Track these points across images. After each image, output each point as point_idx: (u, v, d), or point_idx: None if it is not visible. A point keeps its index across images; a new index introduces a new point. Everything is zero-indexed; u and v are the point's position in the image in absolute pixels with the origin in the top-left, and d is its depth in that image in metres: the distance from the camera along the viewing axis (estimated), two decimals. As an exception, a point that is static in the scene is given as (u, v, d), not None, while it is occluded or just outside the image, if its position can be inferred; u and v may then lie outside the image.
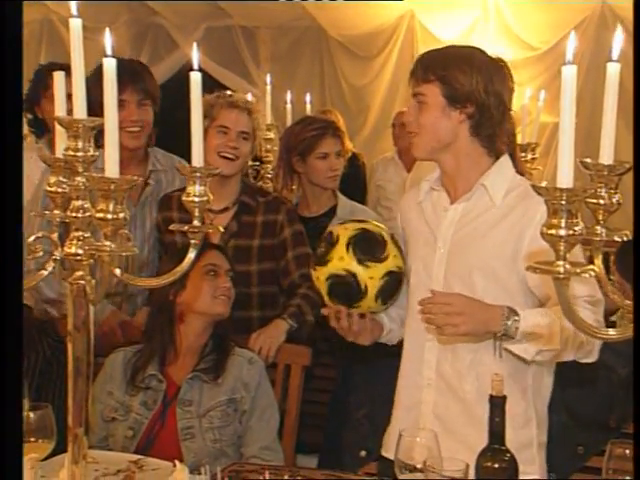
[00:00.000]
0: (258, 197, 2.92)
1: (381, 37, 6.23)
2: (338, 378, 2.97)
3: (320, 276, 2.16)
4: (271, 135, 4.02)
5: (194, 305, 2.46)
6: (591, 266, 1.17)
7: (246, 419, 2.43)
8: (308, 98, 4.44)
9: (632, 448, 1.68)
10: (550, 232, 1.16)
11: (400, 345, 2.30)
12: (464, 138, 2.11)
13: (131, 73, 2.81)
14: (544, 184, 1.16)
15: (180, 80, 6.89)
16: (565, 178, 1.14)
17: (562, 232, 1.15)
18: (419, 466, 1.70)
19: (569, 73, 1.16)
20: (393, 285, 2.15)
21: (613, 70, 1.31)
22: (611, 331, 1.17)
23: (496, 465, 1.59)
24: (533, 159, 3.96)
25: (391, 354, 2.36)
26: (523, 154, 3.72)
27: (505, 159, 2.16)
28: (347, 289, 2.12)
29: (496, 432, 1.60)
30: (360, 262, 2.10)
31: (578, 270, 1.16)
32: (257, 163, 3.98)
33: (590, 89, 5.82)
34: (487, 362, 2.07)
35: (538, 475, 2.10)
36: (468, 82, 2.06)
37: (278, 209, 2.89)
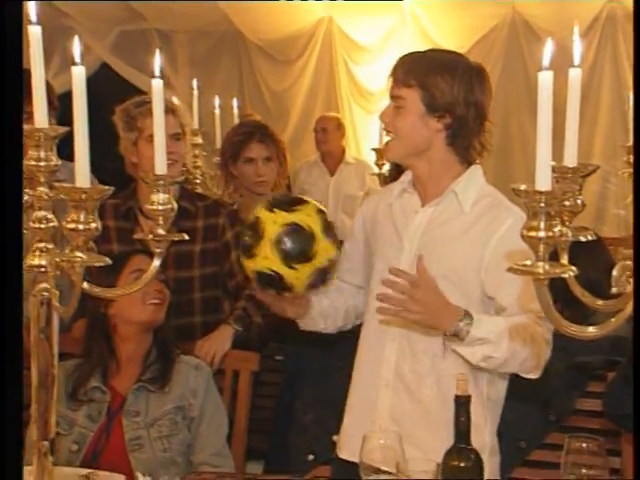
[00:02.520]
0: (197, 202, 2.89)
1: (300, 41, 6.26)
2: (284, 384, 2.97)
3: (248, 267, 2.07)
4: (199, 140, 4.00)
5: (126, 314, 2.42)
6: (569, 266, 1.21)
7: (195, 426, 2.40)
8: (235, 103, 4.41)
9: (588, 442, 1.74)
10: (530, 234, 1.19)
11: (348, 349, 2.30)
12: (439, 147, 2.11)
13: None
14: (523, 187, 1.19)
15: (94, 84, 6.81)
16: (543, 181, 1.18)
17: (541, 234, 1.18)
18: (384, 468, 1.72)
19: (545, 78, 1.19)
20: (323, 276, 2.07)
21: (575, 75, 1.35)
22: (590, 329, 1.21)
23: (462, 464, 1.62)
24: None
25: (338, 357, 2.38)
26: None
27: (476, 167, 2.17)
28: (327, 276, 2.06)
29: (461, 431, 1.63)
30: (286, 264, 2.01)
31: (557, 270, 1.19)
32: (185, 169, 3.94)
33: (502, 93, 6.00)
34: (447, 366, 2.08)
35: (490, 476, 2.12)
36: (449, 91, 2.05)
37: (218, 212, 2.87)
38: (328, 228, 2.06)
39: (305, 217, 2.04)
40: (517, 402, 2.46)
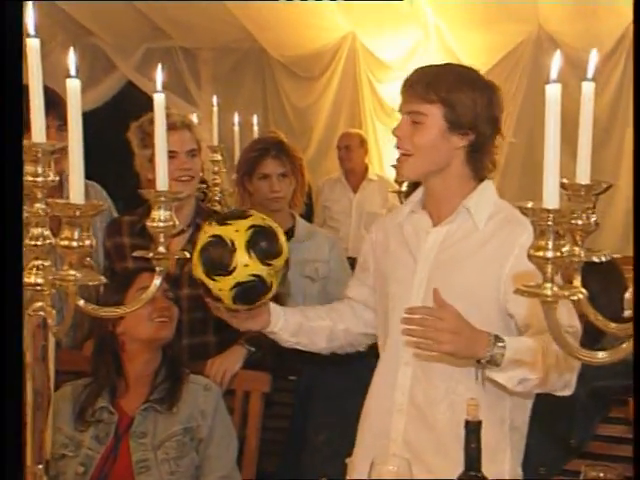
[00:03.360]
0: None
1: (323, 58, 6.25)
2: (296, 404, 2.92)
3: (223, 287, 2.04)
4: (218, 157, 3.98)
5: (134, 332, 2.39)
6: (579, 288, 1.15)
7: (203, 448, 2.36)
8: (255, 120, 4.40)
9: (606, 471, 1.68)
10: (537, 254, 1.13)
11: (362, 369, 2.26)
12: (458, 164, 2.06)
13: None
14: (530, 205, 1.14)
15: (119, 102, 6.84)
16: (551, 198, 1.12)
17: (549, 254, 1.13)
18: (392, 495, 1.66)
19: (553, 92, 1.14)
20: (264, 238, 2.06)
21: (588, 90, 1.31)
22: (600, 354, 1.15)
23: (473, 492, 1.56)
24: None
25: (352, 378, 2.33)
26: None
27: (488, 183, 2.11)
28: (253, 292, 2.05)
29: (472, 458, 1.57)
30: (263, 263, 2.03)
31: (566, 293, 1.13)
32: (204, 185, 3.93)
33: (529, 111, 5.94)
34: (461, 391, 2.02)
35: None
36: (472, 107, 1.99)
37: None
38: (256, 244, 2.05)
39: (232, 231, 2.05)
40: (537, 427, 2.40)
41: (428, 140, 2.02)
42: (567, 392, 2.00)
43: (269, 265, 2.03)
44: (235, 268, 2.01)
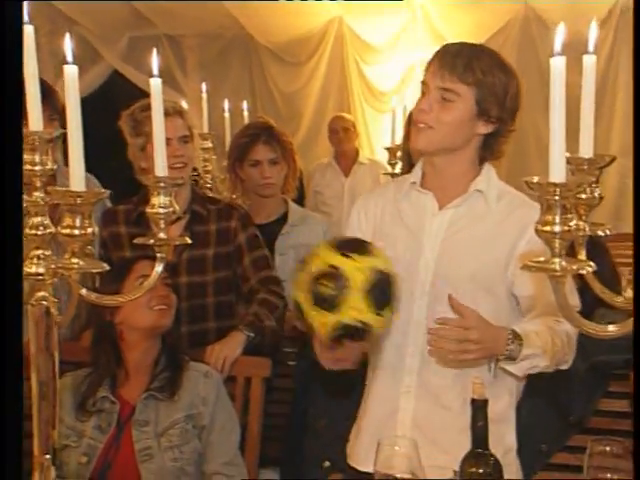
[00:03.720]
0: (209, 205, 2.85)
1: (310, 43, 6.22)
2: (297, 389, 2.92)
3: (326, 322, 1.87)
4: (208, 144, 3.96)
5: (132, 321, 2.37)
6: (587, 262, 1.15)
7: (206, 435, 2.35)
8: (245, 106, 4.38)
9: (612, 445, 1.69)
10: (545, 229, 1.13)
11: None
12: (473, 147, 2.04)
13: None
14: (536, 179, 1.13)
15: (106, 92, 6.80)
16: (558, 173, 1.12)
17: (557, 228, 1.12)
18: (399, 476, 1.66)
19: (558, 65, 1.13)
20: (383, 288, 1.88)
21: (590, 62, 1.30)
22: (610, 327, 1.15)
23: (481, 470, 1.57)
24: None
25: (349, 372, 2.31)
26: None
27: (489, 165, 2.09)
28: (331, 286, 1.85)
29: (479, 436, 1.58)
30: (375, 312, 1.86)
31: (575, 267, 1.13)
32: (195, 173, 3.91)
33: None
34: (473, 372, 2.00)
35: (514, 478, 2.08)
36: (503, 95, 1.97)
37: (231, 215, 2.83)
38: (373, 290, 1.89)
39: (352, 268, 1.86)
40: (537, 404, 2.41)
41: (455, 119, 1.98)
42: (564, 367, 2.04)
43: (379, 315, 1.88)
44: (344, 308, 1.85)
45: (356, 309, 1.84)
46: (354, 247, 1.89)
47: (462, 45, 2.04)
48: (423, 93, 2.04)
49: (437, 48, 2.10)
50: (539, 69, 5.82)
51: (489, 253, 2.03)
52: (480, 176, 2.07)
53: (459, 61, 1.96)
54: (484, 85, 1.95)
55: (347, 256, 1.86)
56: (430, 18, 5.95)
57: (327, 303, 1.85)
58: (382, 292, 1.86)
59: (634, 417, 1.22)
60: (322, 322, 1.87)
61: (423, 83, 2.04)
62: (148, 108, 2.71)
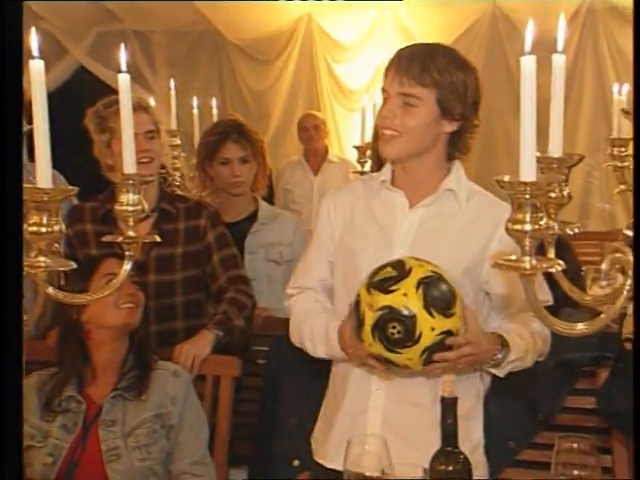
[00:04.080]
0: (177, 203, 2.84)
1: (279, 40, 6.21)
2: (266, 388, 2.91)
3: (412, 356, 1.85)
4: (177, 141, 3.94)
5: (100, 320, 2.35)
6: (556, 260, 1.15)
7: (174, 434, 2.34)
8: (214, 103, 4.36)
9: (579, 441, 1.70)
10: (515, 227, 1.14)
11: None
12: (441, 146, 2.05)
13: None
14: (507, 178, 1.13)
15: (72, 88, 6.72)
16: (528, 172, 1.13)
17: (527, 227, 1.13)
18: (369, 474, 1.66)
19: (528, 64, 1.13)
20: (444, 346, 1.87)
21: (559, 62, 1.30)
22: (579, 326, 1.16)
23: (450, 468, 1.57)
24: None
25: (318, 361, 2.32)
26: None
27: (459, 164, 2.11)
28: (399, 331, 1.83)
29: (448, 434, 1.59)
30: (426, 307, 1.83)
31: (545, 265, 1.14)
32: (164, 170, 3.89)
33: (486, 88, 5.96)
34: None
35: (481, 476, 2.09)
36: (463, 93, 1.97)
37: (200, 214, 2.81)
38: (433, 300, 1.88)
39: (401, 297, 1.85)
40: (505, 401, 2.43)
41: (420, 123, 1.99)
42: (539, 359, 2.09)
43: (452, 315, 1.86)
44: (421, 334, 1.83)
45: (406, 295, 1.83)
46: (441, 303, 1.85)
47: (415, 47, 2.05)
48: (385, 100, 2.05)
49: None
50: (507, 68, 5.87)
51: (460, 252, 2.03)
52: (451, 174, 2.08)
53: (414, 64, 1.96)
54: (442, 85, 1.95)
55: (390, 291, 1.85)
56: (399, 17, 5.97)
57: (388, 342, 1.85)
58: (438, 292, 1.86)
59: (634, 417, 1.21)
60: (409, 358, 1.86)
61: (383, 90, 2.05)
62: (112, 104, 2.72)
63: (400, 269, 1.88)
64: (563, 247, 2.61)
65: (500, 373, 2.01)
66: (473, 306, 2.00)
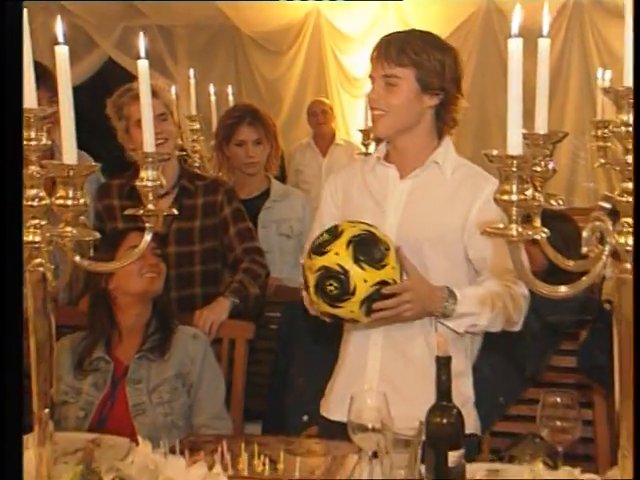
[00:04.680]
0: (196, 181, 2.82)
1: (290, 33, 6.17)
2: (278, 350, 2.92)
3: (312, 265, 1.90)
4: (196, 126, 3.92)
5: (125, 287, 2.35)
6: (541, 228, 1.14)
7: (194, 391, 2.35)
8: (230, 90, 4.33)
9: (562, 396, 1.70)
10: (503, 198, 1.12)
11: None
12: (427, 121, 2.06)
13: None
14: (495, 152, 1.12)
15: (101, 78, 6.70)
16: (515, 146, 1.11)
17: (514, 197, 1.12)
18: (371, 426, 1.66)
19: (515, 45, 1.11)
20: (382, 296, 1.89)
21: (544, 46, 1.28)
22: (562, 288, 1.15)
23: (445, 420, 1.56)
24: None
25: (327, 324, 2.31)
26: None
27: (449, 140, 2.12)
28: (335, 287, 1.87)
29: (443, 390, 1.57)
30: (356, 261, 1.86)
31: (530, 232, 1.12)
32: (184, 153, 3.87)
33: (480, 76, 5.93)
34: (434, 328, 2.04)
35: (473, 428, 2.08)
36: (441, 69, 2.00)
37: (217, 190, 2.79)
38: (362, 255, 1.90)
39: (381, 234, 1.93)
40: (495, 361, 2.42)
41: (402, 100, 2.01)
42: (515, 329, 2.05)
43: (385, 266, 1.88)
44: (355, 287, 1.86)
45: (337, 254, 1.87)
46: (371, 256, 1.88)
47: (394, 34, 2.09)
48: (372, 84, 2.07)
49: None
50: (500, 58, 5.80)
51: (445, 219, 2.04)
52: (440, 148, 2.09)
53: (392, 48, 2.00)
54: (420, 64, 1.99)
55: (360, 265, 1.87)
56: (401, 10, 5.91)
57: (328, 298, 1.89)
58: (368, 247, 1.89)
59: (634, 414, 1.19)
60: (350, 310, 1.90)
61: (370, 76, 2.07)
62: (125, 93, 2.71)
63: (334, 232, 1.93)
64: (566, 223, 2.60)
65: (457, 327, 1.99)
66: (458, 269, 2.01)
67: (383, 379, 2.06)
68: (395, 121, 2.04)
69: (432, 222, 2.04)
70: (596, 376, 2.30)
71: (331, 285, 1.87)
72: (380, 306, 1.89)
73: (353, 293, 1.87)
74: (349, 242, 1.88)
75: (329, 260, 1.88)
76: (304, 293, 2.00)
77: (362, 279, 1.86)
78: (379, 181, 2.13)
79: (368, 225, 1.95)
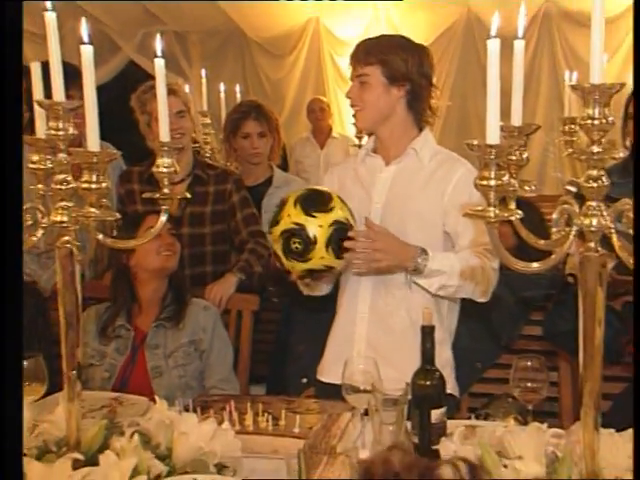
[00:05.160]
0: (208, 170, 2.81)
1: (292, 38, 6.13)
2: (281, 321, 2.92)
3: (274, 236, 1.93)
4: (207, 120, 3.89)
5: (144, 264, 2.34)
6: (516, 210, 1.13)
7: (205, 357, 2.34)
8: (238, 89, 4.30)
9: (532, 360, 1.69)
10: (482, 183, 1.11)
11: (333, 292, 2.23)
12: (400, 111, 2.08)
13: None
14: (476, 142, 1.10)
15: (124, 78, 6.65)
16: (493, 136, 1.09)
17: (492, 182, 1.11)
18: (362, 387, 1.66)
19: (493, 46, 1.10)
20: (342, 235, 1.89)
21: (519, 46, 1.26)
22: (534, 264, 1.14)
23: (428, 382, 1.56)
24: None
25: (325, 298, 2.30)
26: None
27: (428, 130, 2.13)
28: (298, 242, 1.88)
29: (427, 355, 1.57)
30: (307, 213, 1.88)
31: (506, 214, 1.11)
32: (197, 144, 3.85)
33: (462, 78, 5.89)
34: (415, 298, 2.03)
35: (451, 390, 2.08)
36: (404, 64, 2.02)
37: (226, 179, 2.78)
38: (339, 197, 1.96)
39: (316, 226, 1.89)
40: (474, 331, 2.42)
41: (373, 94, 2.04)
42: (484, 299, 2.04)
43: (332, 208, 1.91)
44: (311, 259, 1.88)
45: (289, 216, 1.89)
46: (318, 205, 1.90)
47: (365, 40, 2.12)
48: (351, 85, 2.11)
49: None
50: (478, 63, 5.76)
51: (424, 200, 2.05)
52: (419, 137, 2.10)
53: (361, 51, 2.05)
54: (384, 61, 2.02)
55: (311, 215, 1.88)
56: (391, 18, 5.86)
57: (297, 255, 1.89)
58: (312, 199, 1.91)
59: (634, 411, 1.19)
60: (273, 239, 1.93)
61: (350, 79, 2.11)
62: (149, 90, 2.68)
63: (280, 203, 1.95)
64: (533, 210, 2.58)
65: (429, 287, 1.98)
66: (436, 242, 2.01)
67: (369, 347, 2.06)
68: (371, 114, 2.06)
69: (412, 202, 2.05)
70: (559, 342, 2.30)
71: (294, 243, 1.88)
72: (350, 245, 1.89)
73: (315, 241, 1.87)
74: (295, 202, 1.90)
75: (285, 224, 1.89)
76: (280, 265, 1.98)
77: (317, 225, 1.87)
78: (368, 171, 2.14)
79: (307, 189, 1.98)
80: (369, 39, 2.12)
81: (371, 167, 2.14)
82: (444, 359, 2.07)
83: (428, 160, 2.07)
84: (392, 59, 2.01)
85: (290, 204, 1.90)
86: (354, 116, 2.12)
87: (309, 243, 1.88)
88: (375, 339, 2.07)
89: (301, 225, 1.87)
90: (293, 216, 1.88)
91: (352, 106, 2.10)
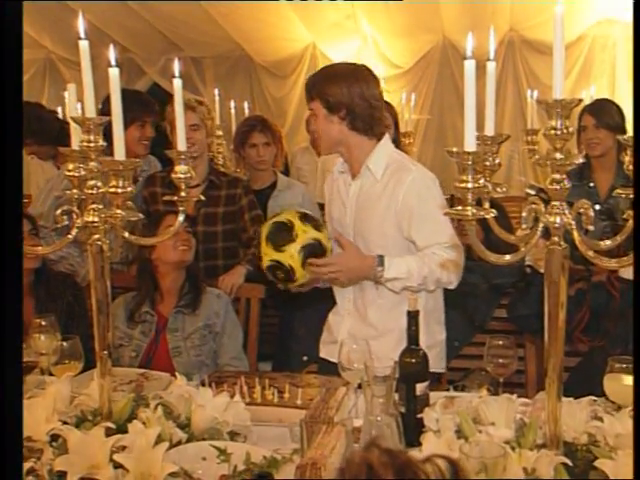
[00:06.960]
0: (221, 177, 2.80)
1: (292, 61, 6.09)
2: (285, 308, 2.90)
3: (263, 269, 1.97)
4: (220, 133, 3.87)
5: (164, 257, 2.32)
6: (490, 210, 1.10)
7: (219, 338, 2.32)
8: (246, 105, 4.28)
9: (503, 340, 1.67)
10: (461, 186, 1.09)
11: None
12: (346, 133, 1.98)
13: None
14: (455, 149, 1.08)
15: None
16: (470, 144, 1.07)
17: (470, 185, 1.09)
18: (356, 365, 1.64)
19: (469, 66, 1.07)
20: (313, 251, 1.91)
21: (491, 68, 1.24)
22: (507, 256, 1.11)
23: (413, 360, 1.53)
24: (410, 143, 3.98)
25: (322, 290, 2.28)
26: (403, 139, 3.69)
27: (385, 139, 2.04)
28: (280, 272, 1.93)
29: (412, 337, 1.55)
30: (277, 249, 1.90)
31: (482, 213, 1.09)
32: (211, 153, 3.82)
33: (439, 97, 5.86)
34: (386, 296, 2.02)
35: (442, 369, 2.10)
36: (338, 93, 1.93)
37: (237, 185, 2.77)
38: (304, 217, 1.95)
39: (284, 216, 1.95)
40: (452, 314, 2.40)
41: (320, 125, 2.00)
42: (451, 286, 2.02)
43: (322, 231, 1.95)
44: (297, 279, 1.92)
45: (266, 254, 1.91)
46: (283, 239, 1.92)
47: (310, 76, 2.06)
48: None
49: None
50: (454, 83, 5.72)
51: (381, 211, 2.00)
52: (372, 154, 2.02)
53: (306, 89, 2.02)
54: (323, 94, 1.95)
55: (280, 250, 1.90)
56: (378, 44, 5.80)
57: (285, 280, 1.95)
58: (277, 234, 1.91)
59: (634, 410, 1.16)
60: (289, 287, 2.01)
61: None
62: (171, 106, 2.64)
63: (257, 237, 1.98)
64: (499, 209, 2.56)
65: (393, 288, 1.97)
66: (398, 247, 1.98)
67: (350, 334, 2.06)
68: (324, 141, 2.03)
69: (373, 213, 2.01)
70: (520, 323, 2.28)
71: (279, 274, 1.92)
72: (313, 262, 1.89)
73: (292, 268, 1.89)
74: (266, 240, 1.92)
75: (266, 261, 1.92)
76: (257, 253, 1.99)
77: (288, 256, 1.89)
78: (343, 183, 2.11)
79: (275, 215, 2.00)
80: (312, 75, 2.05)
81: (343, 181, 2.12)
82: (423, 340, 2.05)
83: (381, 175, 2.00)
84: (329, 91, 1.93)
85: (263, 242, 1.92)
86: (314, 143, 2.13)
87: (289, 271, 1.91)
88: (357, 332, 2.07)
89: (277, 260, 1.90)
90: (268, 254, 1.91)
91: (310, 134, 2.09)
